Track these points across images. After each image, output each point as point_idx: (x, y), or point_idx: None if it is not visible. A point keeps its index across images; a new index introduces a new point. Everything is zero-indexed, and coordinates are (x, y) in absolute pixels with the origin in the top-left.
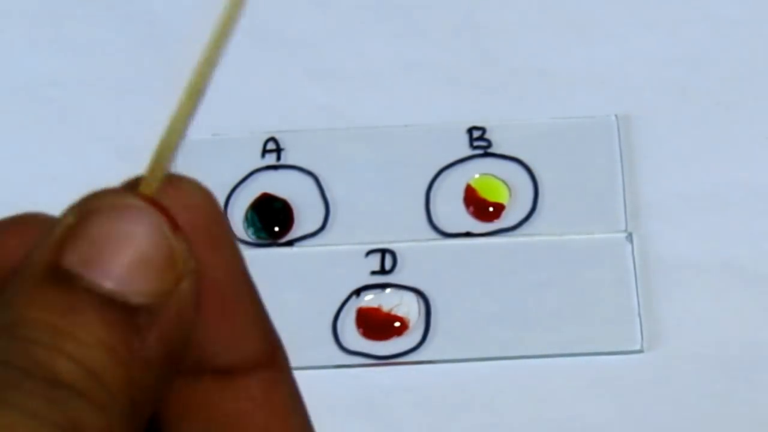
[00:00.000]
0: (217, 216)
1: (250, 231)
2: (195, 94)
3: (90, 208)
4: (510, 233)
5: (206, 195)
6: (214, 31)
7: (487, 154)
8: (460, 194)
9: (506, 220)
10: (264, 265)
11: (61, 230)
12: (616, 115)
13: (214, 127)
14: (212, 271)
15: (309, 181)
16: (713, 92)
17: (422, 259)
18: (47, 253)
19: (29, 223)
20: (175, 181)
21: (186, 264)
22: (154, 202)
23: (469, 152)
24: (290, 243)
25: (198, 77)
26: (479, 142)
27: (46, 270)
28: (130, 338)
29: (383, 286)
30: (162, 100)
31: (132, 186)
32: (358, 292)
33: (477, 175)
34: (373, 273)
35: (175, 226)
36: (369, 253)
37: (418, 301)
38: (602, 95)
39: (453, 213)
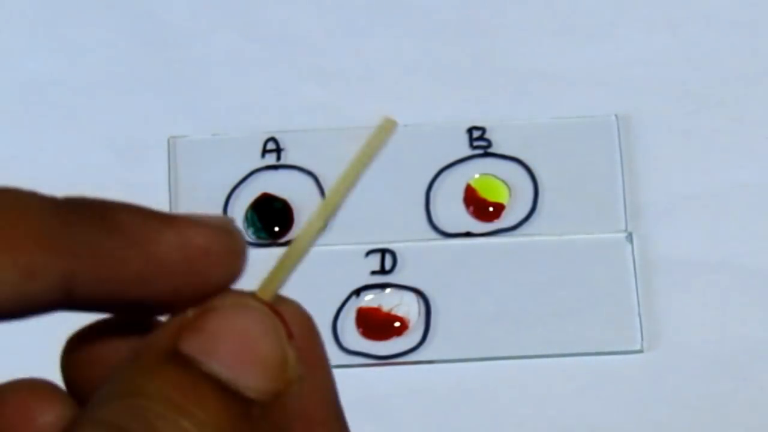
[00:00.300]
0: (317, 339)
1: (250, 231)
2: (327, 214)
3: (210, 306)
4: (510, 233)
5: (307, 318)
6: (359, 156)
7: (487, 154)
8: (460, 194)
9: (506, 220)
10: (264, 265)
11: (180, 321)
12: (616, 115)
13: (214, 127)
14: (306, 394)
15: (309, 181)
16: (713, 92)
17: (422, 259)
18: (166, 338)
19: (137, 322)
20: (279, 301)
21: (295, 371)
22: (272, 308)
23: (469, 152)
24: (290, 243)
25: (333, 198)
26: (479, 142)
27: (166, 352)
28: (244, 427)
29: (383, 286)
30: (162, 100)
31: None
32: (358, 292)
33: (477, 175)
34: (373, 273)
35: (289, 333)
36: (369, 253)
37: (418, 301)
38: (602, 95)
39: (453, 213)
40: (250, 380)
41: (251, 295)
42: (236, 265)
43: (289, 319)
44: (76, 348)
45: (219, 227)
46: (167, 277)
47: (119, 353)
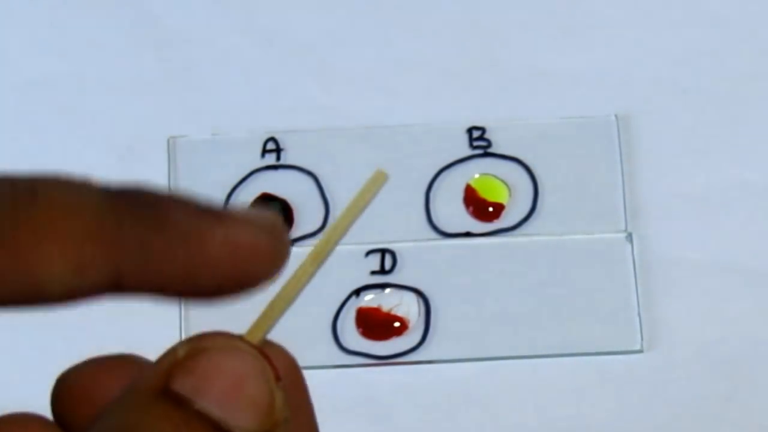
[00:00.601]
0: (301, 382)
1: None
2: (318, 261)
3: (201, 346)
4: (510, 233)
5: (292, 361)
6: (350, 206)
7: (486, 154)
8: (460, 194)
9: (506, 220)
10: None
11: (171, 361)
12: (616, 115)
13: (214, 126)
14: None
15: (309, 181)
16: (713, 92)
17: (422, 259)
18: (158, 377)
19: (125, 362)
20: (265, 345)
21: (282, 412)
22: (260, 351)
23: (469, 152)
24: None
25: (325, 245)
26: (479, 142)
27: (159, 390)
28: None
29: (383, 286)
30: (162, 100)
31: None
32: (357, 292)
33: (477, 175)
34: (373, 273)
35: (277, 376)
36: (369, 253)
37: (417, 301)
38: (602, 95)
39: (453, 213)
40: (240, 420)
41: (240, 338)
42: (279, 264)
43: (275, 363)
44: (66, 385)
45: (266, 226)
46: (213, 273)
47: (109, 391)
